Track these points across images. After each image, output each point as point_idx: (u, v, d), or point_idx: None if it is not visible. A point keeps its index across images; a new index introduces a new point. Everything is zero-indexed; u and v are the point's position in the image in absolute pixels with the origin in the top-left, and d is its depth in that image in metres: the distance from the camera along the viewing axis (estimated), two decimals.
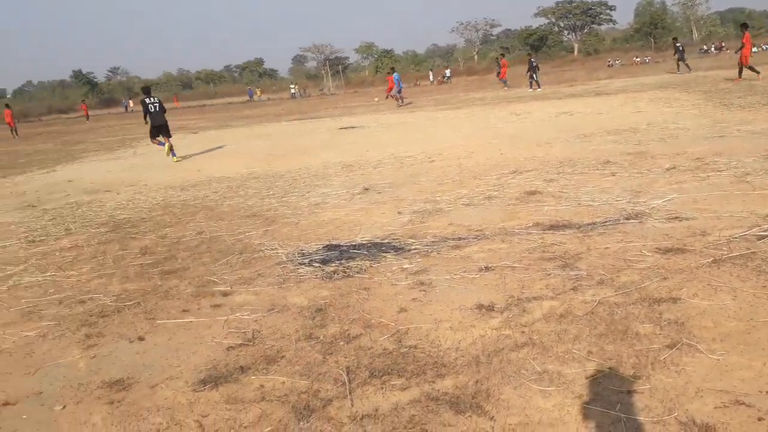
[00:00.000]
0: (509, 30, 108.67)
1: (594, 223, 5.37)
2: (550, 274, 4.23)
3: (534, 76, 29.21)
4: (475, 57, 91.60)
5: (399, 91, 28.43)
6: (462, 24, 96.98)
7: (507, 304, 3.77)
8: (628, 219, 5.40)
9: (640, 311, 3.50)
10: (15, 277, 5.43)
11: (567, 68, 56.20)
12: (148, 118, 14.13)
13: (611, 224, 5.29)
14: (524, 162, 8.89)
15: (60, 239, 6.83)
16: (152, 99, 14.19)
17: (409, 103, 29.00)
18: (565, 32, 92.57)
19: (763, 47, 55.29)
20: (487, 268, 4.45)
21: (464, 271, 4.44)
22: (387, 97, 33.99)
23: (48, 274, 5.47)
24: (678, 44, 31.59)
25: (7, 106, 37.19)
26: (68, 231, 7.23)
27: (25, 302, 4.72)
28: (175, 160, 13.84)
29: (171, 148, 14.10)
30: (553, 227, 5.38)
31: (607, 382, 2.79)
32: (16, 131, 33.41)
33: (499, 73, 37.97)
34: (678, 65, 30.85)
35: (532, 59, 29.96)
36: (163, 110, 14.16)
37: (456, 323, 3.57)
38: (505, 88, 33.87)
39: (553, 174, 7.77)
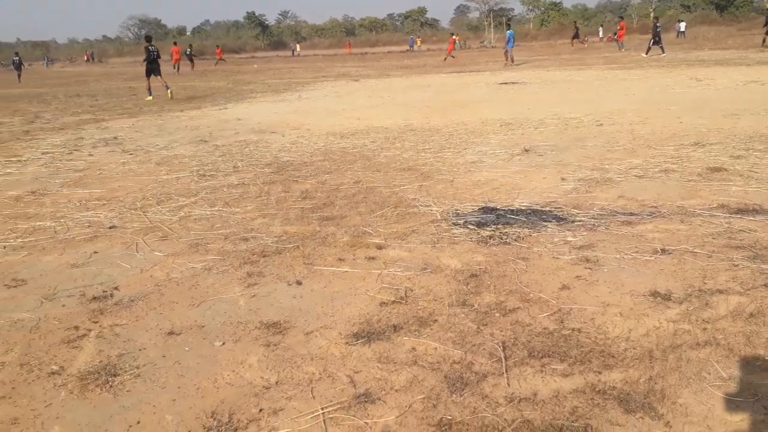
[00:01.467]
0: None
1: None
2: (737, 266, 3.76)
3: (657, 40, 27.46)
4: (651, 14, 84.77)
5: (509, 50, 27.81)
6: None
7: (686, 295, 3.39)
8: None
9: None
10: (186, 209, 5.76)
11: (756, 32, 50.21)
12: (145, 62, 18.28)
13: None
14: (707, 134, 8.05)
15: (228, 175, 7.17)
16: (152, 47, 18.33)
17: (521, 63, 27.94)
18: None
19: None
20: (663, 251, 4.05)
21: (636, 252, 4.07)
22: (445, 59, 33.71)
23: (216, 208, 5.74)
24: None
25: (174, 44, 40.52)
26: (236, 168, 7.57)
27: (194, 234, 4.98)
28: (170, 93, 17.87)
29: (150, 88, 18.23)
30: (742, 211, 4.79)
31: None
32: (178, 68, 36.30)
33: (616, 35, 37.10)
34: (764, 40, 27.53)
35: (658, 24, 28.31)
36: (158, 57, 18.50)
37: (626, 309, 3.26)
38: (622, 50, 33.30)
39: (741, 150, 6.96)
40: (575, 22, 53.96)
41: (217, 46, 53.43)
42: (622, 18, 42.28)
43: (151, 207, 5.88)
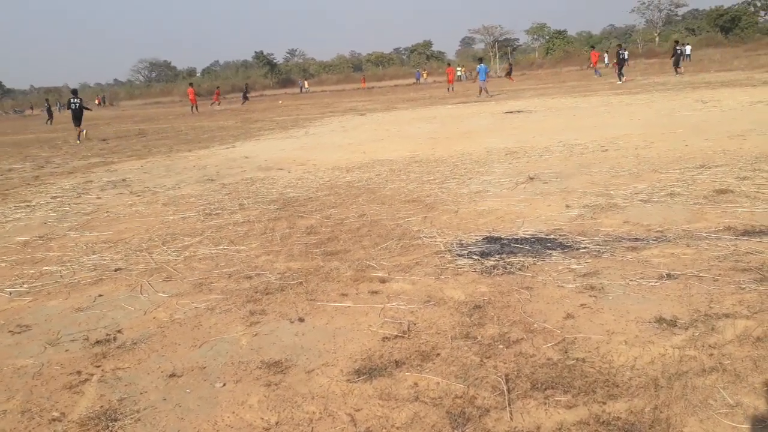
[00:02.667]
0: (696, 10, 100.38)
1: None
2: (744, 288, 3.71)
3: (620, 66, 28.98)
4: (656, 39, 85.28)
5: (484, 83, 28.68)
6: (644, 3, 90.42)
7: (692, 320, 3.34)
8: None
9: None
10: (191, 248, 5.78)
11: (762, 52, 50.54)
12: (69, 111, 21.04)
13: None
14: (713, 156, 8.02)
15: (234, 213, 7.20)
16: (75, 99, 20.77)
17: (495, 94, 28.42)
18: (762, 12, 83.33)
19: None
20: (668, 276, 4.00)
21: (642, 278, 4.03)
22: (449, 89, 34.55)
23: (221, 247, 5.75)
24: (678, 47, 31.39)
25: (190, 84, 41.71)
26: (242, 206, 7.61)
27: (198, 274, 4.99)
28: (77, 142, 20.06)
29: (79, 134, 20.64)
30: (748, 233, 4.74)
31: None
32: (196, 108, 37.33)
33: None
34: (675, 69, 30.68)
35: (620, 51, 29.57)
36: (81, 109, 20.71)
37: (631, 337, 3.21)
38: (597, 76, 36.06)
39: (747, 171, 6.92)
40: (509, 59, 57.27)
41: (217, 87, 52.91)
42: (593, 47, 45.85)
43: (156, 248, 5.90)
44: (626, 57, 29.72)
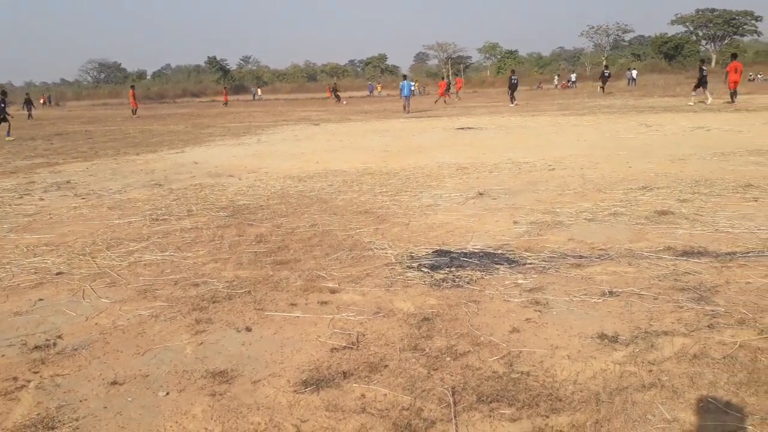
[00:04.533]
0: (642, 36, 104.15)
1: (734, 253, 4.87)
2: (682, 307, 3.85)
3: (512, 92, 30.90)
4: (604, 62, 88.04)
5: (407, 98, 29.31)
6: (592, 28, 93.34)
7: (633, 337, 3.44)
8: None
9: None
10: (136, 254, 5.65)
11: None
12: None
13: (754, 256, 4.78)
14: (655, 178, 8.31)
15: (181, 220, 7.08)
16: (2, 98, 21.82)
17: (415, 113, 28.81)
18: (703, 42, 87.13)
19: None
20: (611, 293, 4.12)
21: (585, 294, 4.14)
22: (437, 101, 35.42)
23: (167, 253, 5.65)
24: (513, 77, 32.46)
25: (131, 87, 40.56)
26: (190, 212, 7.48)
27: (143, 280, 4.88)
28: (9, 139, 20.41)
29: (8, 129, 21.02)
30: (687, 253, 4.93)
31: None
32: (133, 111, 36.27)
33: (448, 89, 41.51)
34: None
35: (513, 77, 31.24)
36: (3, 105, 21.52)
37: (574, 352, 3.29)
38: (443, 101, 37.50)
39: (687, 194, 7.19)
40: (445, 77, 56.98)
41: (224, 87, 54.30)
42: (443, 78, 48.18)
43: (100, 252, 5.75)
44: (517, 82, 31.49)
